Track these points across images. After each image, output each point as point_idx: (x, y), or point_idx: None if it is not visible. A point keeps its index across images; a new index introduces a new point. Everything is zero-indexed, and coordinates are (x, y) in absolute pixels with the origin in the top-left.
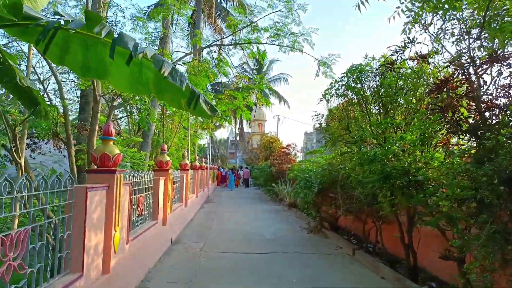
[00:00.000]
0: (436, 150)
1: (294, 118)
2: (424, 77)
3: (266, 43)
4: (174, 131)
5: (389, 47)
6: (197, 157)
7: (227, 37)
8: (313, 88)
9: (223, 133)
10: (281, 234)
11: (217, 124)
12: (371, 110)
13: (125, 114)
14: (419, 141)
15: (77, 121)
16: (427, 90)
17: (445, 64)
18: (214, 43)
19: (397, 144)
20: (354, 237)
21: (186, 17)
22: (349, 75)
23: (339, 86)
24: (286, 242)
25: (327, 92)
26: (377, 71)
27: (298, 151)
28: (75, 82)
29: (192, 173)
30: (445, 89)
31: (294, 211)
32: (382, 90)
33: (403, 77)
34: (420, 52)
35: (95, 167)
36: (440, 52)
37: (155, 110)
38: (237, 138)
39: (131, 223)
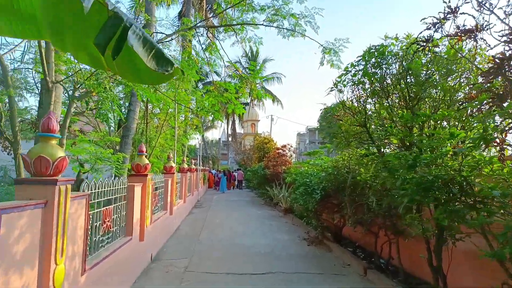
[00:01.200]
0: (488, 153)
1: (287, 119)
2: (470, 59)
3: (263, 24)
4: (159, 130)
5: (423, 19)
6: (185, 158)
7: (219, 27)
8: (307, 88)
9: (215, 134)
10: (279, 247)
11: (209, 125)
12: (395, 102)
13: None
14: (480, 140)
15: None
16: (479, 73)
17: (502, 39)
18: (202, 22)
19: (447, 145)
20: (360, 250)
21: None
22: (367, 58)
23: (355, 71)
24: (286, 258)
25: (340, 79)
26: (403, 53)
27: (294, 152)
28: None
29: (179, 177)
30: (503, 71)
31: (290, 217)
32: (410, 76)
33: (438, 59)
34: (463, 26)
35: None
36: (489, 27)
37: (137, 107)
38: (229, 139)
39: (90, 246)
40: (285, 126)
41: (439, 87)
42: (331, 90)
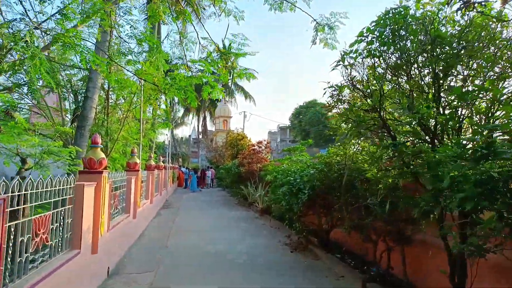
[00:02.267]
0: None
1: (261, 116)
2: None
3: None
4: (121, 122)
5: None
6: (152, 155)
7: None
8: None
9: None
10: (258, 254)
11: (179, 121)
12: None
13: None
14: None
15: None
16: None
17: None
18: None
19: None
20: (348, 255)
21: None
22: (384, 22)
23: (372, 38)
24: (267, 268)
25: (350, 50)
26: (431, 17)
27: (271, 148)
28: None
29: (145, 174)
30: None
31: (267, 218)
32: (438, 47)
33: (478, 23)
34: None
35: None
36: None
37: (95, 93)
38: (200, 136)
39: (13, 268)
40: (257, 124)
41: (479, 58)
42: (337, 65)
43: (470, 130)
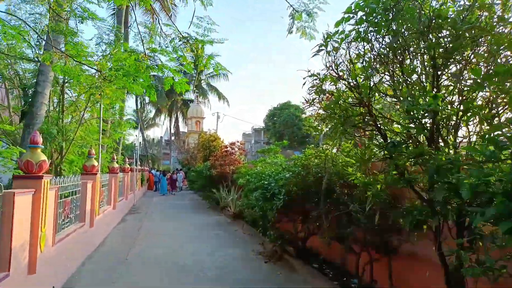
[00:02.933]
0: None
1: (234, 117)
2: None
3: None
4: (79, 121)
5: None
6: (116, 156)
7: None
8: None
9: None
10: (230, 267)
11: (150, 122)
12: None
13: None
14: None
15: None
16: None
17: None
18: None
19: None
20: (327, 264)
21: None
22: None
23: (360, 18)
24: (240, 283)
25: (336, 31)
26: None
27: (244, 150)
28: None
29: (107, 178)
30: None
31: (240, 224)
32: (436, 30)
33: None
34: None
35: None
36: None
37: (47, 88)
38: (173, 138)
39: None
40: (231, 125)
41: (488, 41)
42: (318, 50)
43: (467, 128)
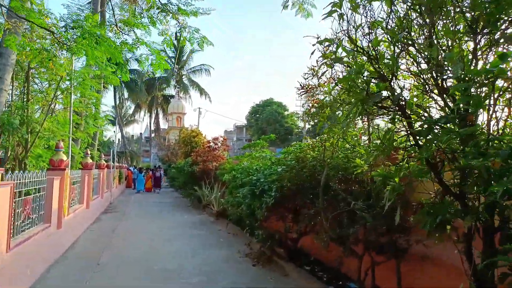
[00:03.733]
0: None
1: (217, 113)
2: None
3: None
4: (46, 111)
5: None
6: (91, 151)
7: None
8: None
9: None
10: (214, 271)
11: (130, 119)
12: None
13: None
14: None
15: None
16: None
17: None
18: None
19: None
20: (320, 266)
21: None
22: None
23: None
24: None
25: None
26: None
27: (228, 146)
28: None
29: (79, 174)
30: None
31: (224, 223)
32: None
33: None
34: None
35: None
36: None
37: (7, 73)
38: (153, 134)
39: None
40: (213, 122)
41: None
42: (330, 12)
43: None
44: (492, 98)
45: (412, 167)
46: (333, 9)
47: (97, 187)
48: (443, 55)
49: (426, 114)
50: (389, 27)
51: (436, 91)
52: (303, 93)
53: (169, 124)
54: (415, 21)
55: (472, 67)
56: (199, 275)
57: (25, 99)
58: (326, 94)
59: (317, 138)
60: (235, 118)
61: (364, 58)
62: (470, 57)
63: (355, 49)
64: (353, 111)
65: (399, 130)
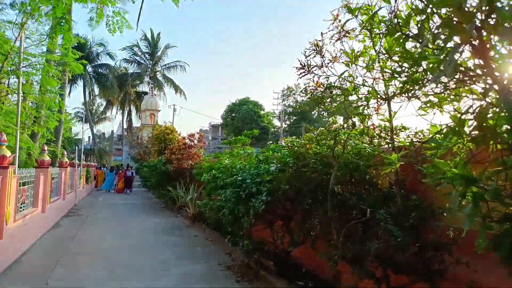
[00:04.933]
0: None
1: (192, 110)
2: None
3: None
4: None
5: None
6: (47, 148)
7: None
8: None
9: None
10: None
11: (101, 116)
12: None
13: None
14: None
15: None
16: None
17: None
18: None
19: None
20: (313, 280)
21: None
22: None
23: None
24: None
25: None
26: None
27: (205, 143)
28: None
29: (32, 174)
30: None
31: (201, 227)
32: None
33: None
34: None
35: None
36: None
37: None
38: (126, 133)
39: None
40: (188, 121)
41: None
42: None
43: None
44: None
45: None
46: None
47: (58, 187)
48: None
49: None
50: None
51: None
52: (304, 73)
53: (142, 122)
54: None
55: None
56: None
57: None
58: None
59: (321, 129)
60: (212, 116)
61: None
62: None
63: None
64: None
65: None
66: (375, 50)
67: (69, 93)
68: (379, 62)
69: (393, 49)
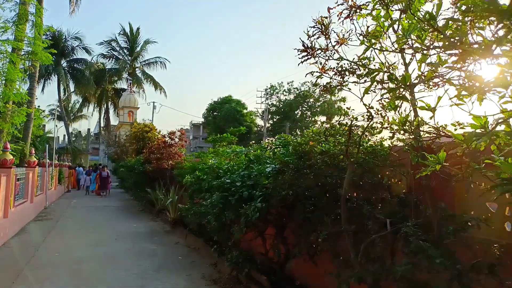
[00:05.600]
0: None
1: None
2: None
3: None
4: None
5: None
6: (9, 145)
7: None
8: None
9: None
10: None
11: (77, 114)
12: None
13: None
14: None
15: None
16: None
17: None
18: None
19: None
20: None
21: None
22: None
23: None
24: None
25: None
26: None
27: (187, 140)
28: None
29: None
30: None
31: (182, 232)
32: None
33: None
34: None
35: None
36: None
37: None
38: (103, 131)
39: None
40: (169, 119)
41: None
42: None
43: None
44: None
45: None
46: None
47: (24, 189)
48: None
49: None
50: None
51: None
52: (307, 57)
53: (120, 119)
54: None
55: None
56: None
57: None
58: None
59: (335, 121)
60: (193, 114)
61: None
62: None
63: None
64: None
65: None
66: (394, 30)
67: (43, 89)
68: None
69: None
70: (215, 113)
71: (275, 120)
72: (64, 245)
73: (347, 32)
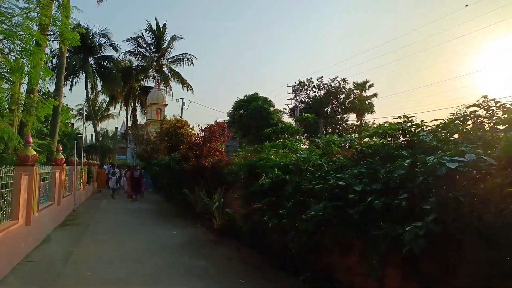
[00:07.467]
0: None
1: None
2: None
3: None
4: None
5: None
6: (36, 141)
7: None
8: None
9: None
10: None
11: (104, 114)
12: None
13: None
14: None
15: None
16: None
17: None
18: None
19: None
20: None
21: None
22: None
23: None
24: None
25: None
26: None
27: (228, 135)
28: None
29: (10, 174)
30: None
31: (232, 244)
32: None
33: None
34: None
35: None
36: None
37: None
38: (130, 130)
39: None
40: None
41: None
42: None
43: None
44: None
45: None
46: None
47: (50, 190)
48: None
49: None
50: None
51: None
52: None
53: (148, 117)
54: None
55: None
56: None
57: None
58: None
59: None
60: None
61: None
62: None
63: None
64: None
65: None
66: None
67: (71, 87)
68: None
69: None
70: (241, 111)
71: (303, 116)
72: (96, 259)
73: None
